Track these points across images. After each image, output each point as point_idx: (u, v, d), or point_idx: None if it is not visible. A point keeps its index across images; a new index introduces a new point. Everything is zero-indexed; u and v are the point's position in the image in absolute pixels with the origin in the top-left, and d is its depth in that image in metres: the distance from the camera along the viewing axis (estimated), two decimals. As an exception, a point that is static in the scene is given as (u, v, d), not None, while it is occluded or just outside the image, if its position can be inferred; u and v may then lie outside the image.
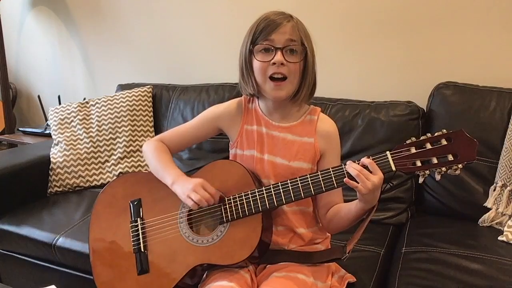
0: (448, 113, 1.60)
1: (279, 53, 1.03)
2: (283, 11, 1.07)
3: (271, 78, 1.05)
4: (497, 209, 1.47)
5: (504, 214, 1.46)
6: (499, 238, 1.40)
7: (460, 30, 1.72)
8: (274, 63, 1.03)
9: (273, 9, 1.07)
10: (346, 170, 0.98)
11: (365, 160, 0.97)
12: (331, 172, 1.00)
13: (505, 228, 1.42)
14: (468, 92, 1.60)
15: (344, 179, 0.97)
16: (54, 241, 1.57)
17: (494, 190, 1.49)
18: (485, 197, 1.51)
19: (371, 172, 0.96)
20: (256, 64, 1.07)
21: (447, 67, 1.76)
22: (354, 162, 0.98)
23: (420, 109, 1.66)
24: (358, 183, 0.95)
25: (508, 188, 1.46)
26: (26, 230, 1.64)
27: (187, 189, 1.06)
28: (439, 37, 1.75)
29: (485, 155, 1.52)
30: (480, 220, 1.50)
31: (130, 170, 1.97)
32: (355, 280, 1.21)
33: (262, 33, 1.03)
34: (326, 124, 1.15)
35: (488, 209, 1.49)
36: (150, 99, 2.11)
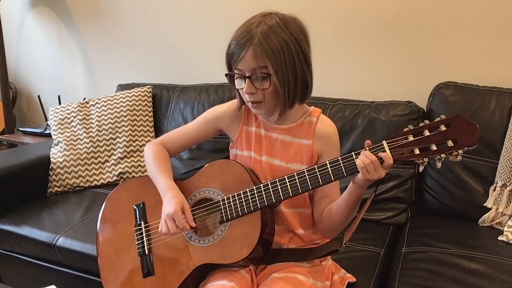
0: (448, 113, 1.57)
1: (247, 82, 1.01)
2: (252, 20, 1.02)
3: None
4: (497, 209, 1.47)
5: (504, 214, 1.46)
6: (499, 238, 1.40)
7: (460, 30, 1.72)
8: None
9: (268, 9, 1.04)
10: (345, 166, 0.97)
11: (369, 155, 0.93)
12: (328, 166, 0.99)
13: (505, 228, 1.42)
14: (468, 92, 1.61)
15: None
16: (54, 241, 1.57)
17: (494, 190, 1.49)
18: (485, 197, 1.51)
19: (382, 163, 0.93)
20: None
21: (447, 67, 1.76)
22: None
23: (420, 109, 1.66)
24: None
25: (508, 188, 1.46)
26: (26, 230, 1.64)
27: (164, 213, 1.07)
28: (439, 37, 1.75)
29: (485, 155, 1.52)
30: (480, 220, 1.50)
31: (130, 170, 1.98)
32: (355, 280, 1.21)
33: (232, 60, 1.03)
34: (325, 125, 1.13)
35: (488, 209, 1.49)
36: (150, 99, 2.11)
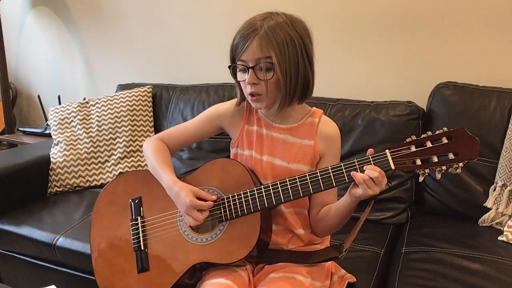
0: (448, 113, 1.60)
1: (250, 72, 1.02)
2: (257, 16, 1.04)
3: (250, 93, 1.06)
4: (497, 209, 1.47)
5: (504, 214, 1.46)
6: (499, 238, 1.40)
7: (460, 30, 1.71)
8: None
9: (273, 9, 1.06)
10: (348, 174, 0.97)
11: (371, 172, 0.94)
12: (330, 172, 1.00)
13: (505, 228, 1.42)
14: (468, 92, 1.60)
15: (351, 173, 0.96)
16: (54, 241, 1.57)
17: (494, 190, 1.49)
18: (485, 197, 1.51)
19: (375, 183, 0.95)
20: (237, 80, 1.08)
21: (447, 67, 1.76)
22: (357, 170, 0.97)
23: (420, 109, 1.66)
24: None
25: (508, 188, 1.46)
26: (26, 230, 1.64)
27: (183, 209, 1.06)
28: (439, 37, 1.75)
29: (485, 155, 1.52)
30: (480, 220, 1.50)
31: (130, 170, 1.97)
32: (355, 280, 1.21)
33: (236, 52, 1.03)
34: (328, 126, 1.14)
35: (488, 209, 1.49)
36: (150, 99, 2.11)
